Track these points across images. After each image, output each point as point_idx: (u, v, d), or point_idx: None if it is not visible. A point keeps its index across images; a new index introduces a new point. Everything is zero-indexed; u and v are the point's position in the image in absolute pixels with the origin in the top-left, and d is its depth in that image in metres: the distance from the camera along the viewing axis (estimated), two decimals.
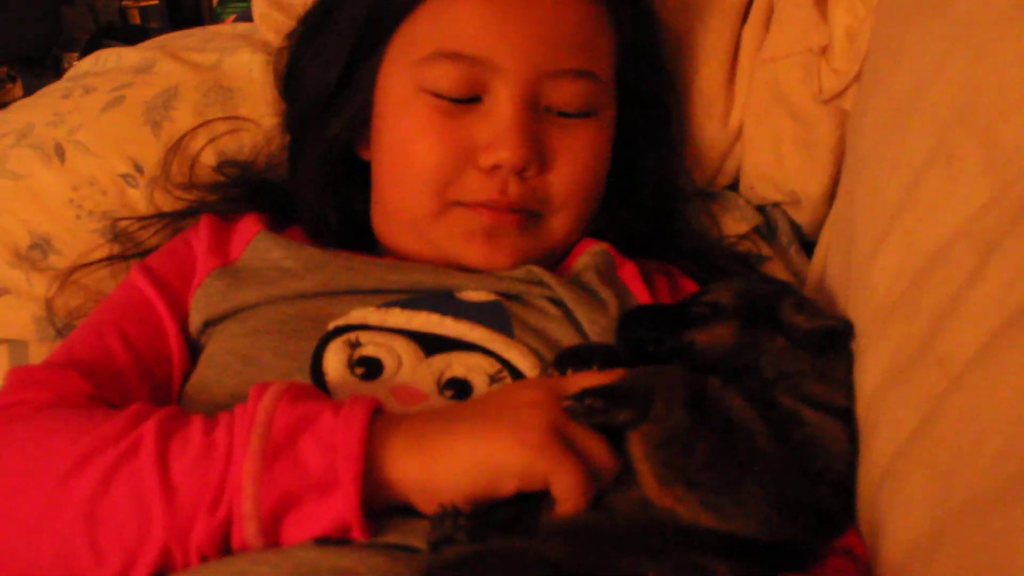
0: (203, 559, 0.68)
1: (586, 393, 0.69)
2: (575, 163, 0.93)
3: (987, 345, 0.59)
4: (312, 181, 1.02)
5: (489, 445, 0.68)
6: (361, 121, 0.99)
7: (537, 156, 0.90)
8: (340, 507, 0.66)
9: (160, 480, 0.67)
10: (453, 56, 0.89)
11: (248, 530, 0.67)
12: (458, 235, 0.93)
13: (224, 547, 0.68)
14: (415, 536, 0.67)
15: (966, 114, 0.69)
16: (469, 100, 0.90)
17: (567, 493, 0.68)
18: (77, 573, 0.69)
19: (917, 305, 0.69)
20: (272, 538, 0.67)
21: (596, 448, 0.70)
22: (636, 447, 0.69)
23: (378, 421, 0.70)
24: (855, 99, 0.96)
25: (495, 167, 0.89)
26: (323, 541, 0.67)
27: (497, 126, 0.89)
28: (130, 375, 0.86)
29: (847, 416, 0.73)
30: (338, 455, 0.67)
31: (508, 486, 0.68)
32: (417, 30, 0.93)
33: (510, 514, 0.69)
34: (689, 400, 0.68)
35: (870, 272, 0.77)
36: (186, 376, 0.89)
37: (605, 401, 0.69)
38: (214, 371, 0.85)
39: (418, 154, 0.91)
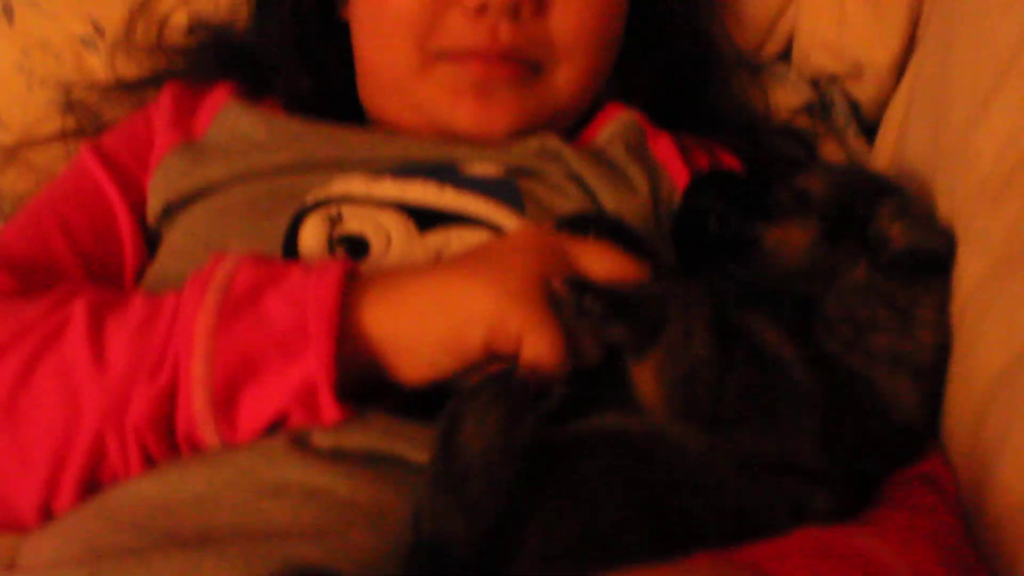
0: (145, 460, 0.60)
1: (587, 287, 0.59)
2: (580, 2, 0.82)
3: None
4: (281, 40, 0.93)
5: (461, 285, 0.62)
6: None
7: None
8: (310, 366, 0.58)
9: (91, 356, 0.61)
10: None
11: (197, 401, 0.59)
12: (446, 94, 0.82)
13: (167, 437, 0.60)
14: (402, 442, 0.59)
15: None
16: None
17: (538, 358, 0.59)
18: (4, 485, 0.62)
19: None
20: (224, 417, 0.60)
21: (585, 327, 0.61)
22: (646, 380, 0.59)
23: (353, 280, 0.63)
24: None
25: (481, 7, 0.78)
26: (288, 441, 0.59)
27: None
28: (70, 269, 0.78)
29: (923, 369, 0.63)
30: (308, 309, 0.60)
31: (475, 337, 0.60)
32: None
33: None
34: (714, 326, 0.59)
35: (972, 139, 0.66)
36: (142, 271, 0.81)
37: (606, 306, 0.58)
38: (174, 260, 0.77)
39: None
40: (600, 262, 0.64)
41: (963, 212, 0.66)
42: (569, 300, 0.59)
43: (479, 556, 0.51)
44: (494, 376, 0.56)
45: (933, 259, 0.64)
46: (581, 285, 0.59)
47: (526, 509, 0.52)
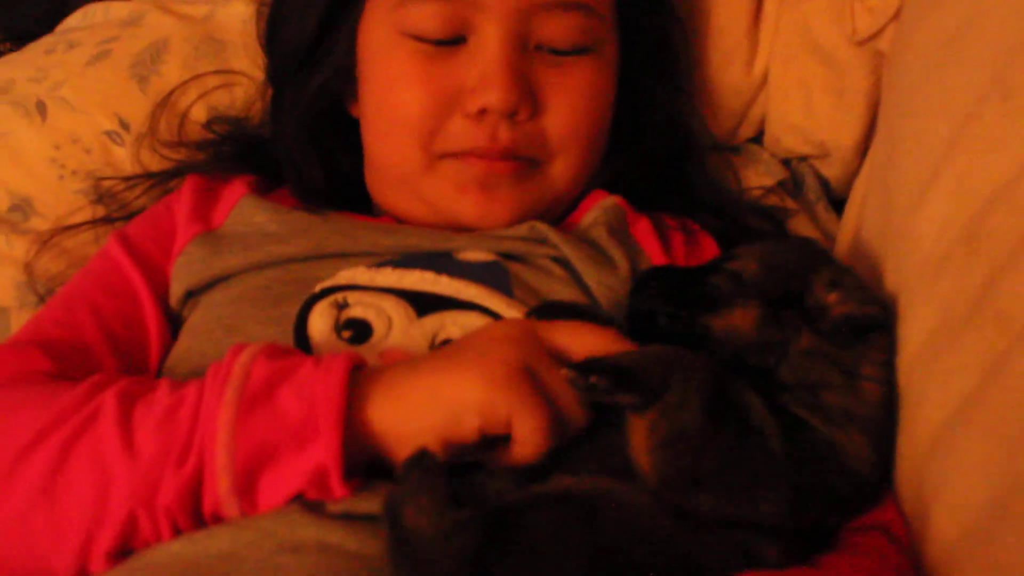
0: (175, 532, 0.64)
1: (591, 367, 0.63)
2: (571, 103, 0.87)
3: None
4: (295, 138, 0.97)
5: (451, 377, 0.65)
6: (346, 74, 0.94)
7: (527, 97, 0.85)
8: (320, 455, 0.62)
9: (121, 442, 0.65)
10: None
11: (221, 486, 0.63)
12: (450, 188, 0.88)
13: (195, 514, 0.64)
14: None
15: None
16: (453, 41, 0.85)
17: (528, 436, 0.63)
18: (37, 552, 0.66)
19: (970, 258, 0.64)
20: (246, 498, 0.64)
21: (569, 398, 0.65)
22: (638, 437, 0.63)
23: (358, 374, 0.67)
24: (893, 39, 0.90)
25: (482, 111, 0.84)
26: (303, 507, 0.63)
27: (483, 67, 0.83)
28: (100, 352, 0.82)
29: (873, 423, 0.67)
30: (318, 403, 0.63)
31: (469, 424, 0.64)
32: None
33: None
34: (709, 398, 0.62)
35: (914, 222, 0.72)
36: (167, 351, 0.85)
37: (611, 382, 0.62)
38: (196, 341, 0.81)
39: (401, 102, 0.86)
40: (572, 338, 0.68)
41: (908, 287, 0.71)
42: (578, 382, 0.62)
43: None
44: (410, 461, 0.60)
45: (870, 322, 0.67)
46: (585, 366, 0.63)
47: (491, 568, 0.56)
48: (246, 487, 0.63)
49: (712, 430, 0.61)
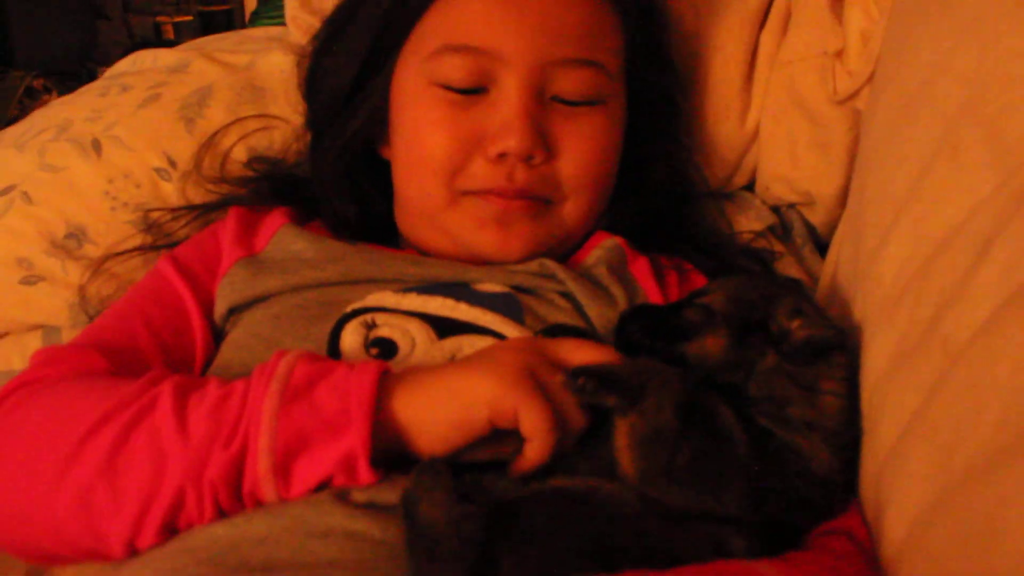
0: (216, 508, 0.71)
1: (580, 372, 0.71)
2: (582, 150, 0.95)
3: (987, 322, 0.61)
4: (331, 177, 1.04)
5: (465, 376, 0.73)
6: (379, 120, 1.01)
7: (542, 143, 0.92)
8: (351, 442, 0.69)
9: (177, 427, 0.71)
10: (460, 49, 0.92)
11: (261, 466, 0.70)
12: (471, 223, 0.95)
13: (235, 491, 0.71)
14: None
15: (972, 107, 0.72)
16: (477, 91, 0.93)
17: (534, 430, 0.71)
18: (94, 523, 0.72)
19: (923, 293, 0.71)
20: (281, 478, 0.70)
21: (568, 400, 0.73)
22: (620, 436, 0.70)
23: (386, 376, 0.74)
24: (868, 99, 0.97)
25: (502, 155, 0.91)
26: (332, 497, 0.70)
27: (503, 115, 0.91)
28: (151, 357, 0.88)
29: (833, 433, 0.74)
30: (351, 397, 0.71)
31: (480, 416, 0.71)
32: (428, 27, 0.95)
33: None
34: (682, 403, 0.70)
35: (877, 264, 0.79)
36: (209, 362, 0.91)
37: (597, 384, 0.70)
38: (237, 354, 0.88)
39: (428, 145, 0.94)
40: (571, 352, 0.76)
41: (871, 320, 0.77)
42: (568, 384, 0.70)
43: None
44: (422, 466, 0.68)
45: (827, 345, 0.74)
46: (575, 371, 0.71)
47: (497, 555, 0.63)
48: (283, 469, 0.70)
49: (684, 431, 0.69)
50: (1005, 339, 0.59)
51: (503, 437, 0.73)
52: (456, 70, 0.92)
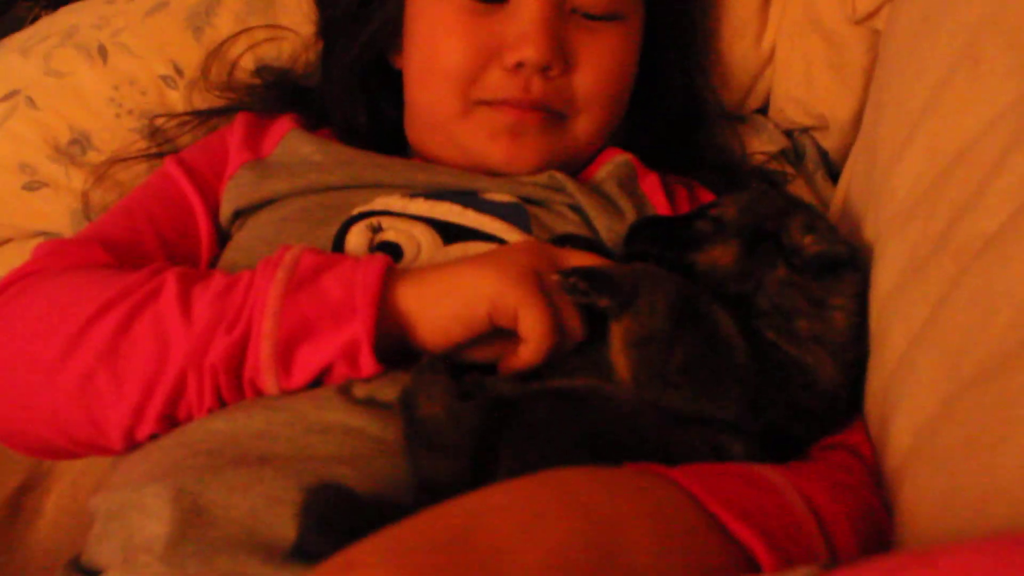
0: (216, 396, 0.71)
1: (573, 271, 0.71)
2: (599, 65, 0.93)
3: (999, 229, 0.60)
4: (343, 84, 1.03)
5: (469, 272, 0.73)
6: (393, 29, 1.00)
7: (560, 55, 0.91)
8: (355, 329, 0.69)
9: (180, 312, 0.71)
10: None
11: (263, 351, 0.69)
12: (483, 134, 0.94)
13: (236, 378, 0.71)
14: None
15: (994, 18, 0.70)
16: (495, 0, 0.91)
17: (531, 331, 0.71)
18: (94, 410, 0.72)
19: (936, 205, 0.70)
20: (282, 365, 0.70)
21: (568, 307, 0.72)
22: (616, 339, 0.70)
23: (392, 270, 0.74)
24: (887, 17, 0.96)
25: (518, 65, 0.90)
26: (332, 392, 0.70)
27: (522, 25, 0.89)
28: (154, 255, 0.88)
29: (840, 347, 0.74)
30: (356, 287, 0.71)
31: (481, 311, 0.71)
32: None
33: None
34: (675, 305, 0.69)
35: (891, 179, 0.77)
36: (213, 263, 0.91)
37: (588, 283, 0.70)
38: (241, 255, 0.88)
39: (444, 53, 0.92)
40: (580, 260, 0.76)
41: (883, 235, 0.76)
42: (561, 283, 0.70)
43: (465, 486, 0.60)
44: (422, 364, 0.68)
45: (839, 261, 0.74)
46: (568, 271, 0.71)
47: (496, 447, 0.63)
48: (284, 355, 0.70)
49: (677, 333, 0.68)
50: (1018, 244, 0.58)
51: (505, 341, 0.73)
52: None
